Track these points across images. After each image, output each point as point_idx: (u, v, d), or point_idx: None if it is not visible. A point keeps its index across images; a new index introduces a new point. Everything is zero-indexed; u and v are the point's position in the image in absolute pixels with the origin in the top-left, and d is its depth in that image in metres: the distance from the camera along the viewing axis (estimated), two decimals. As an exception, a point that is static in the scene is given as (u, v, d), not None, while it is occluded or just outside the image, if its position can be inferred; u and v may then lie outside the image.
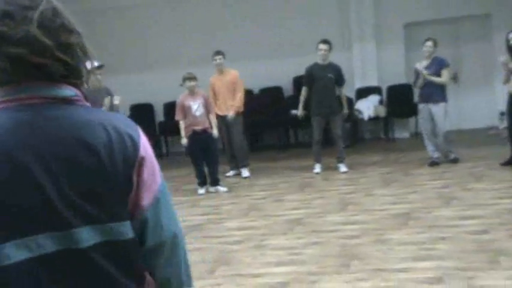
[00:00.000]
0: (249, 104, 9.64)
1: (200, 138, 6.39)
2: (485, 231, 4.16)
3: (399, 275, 3.50)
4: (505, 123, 8.27)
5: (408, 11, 9.10)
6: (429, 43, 6.66)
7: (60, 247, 1.01)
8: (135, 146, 1.08)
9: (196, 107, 6.35)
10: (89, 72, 1.12)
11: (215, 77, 7.15)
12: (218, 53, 7.11)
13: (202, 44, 9.01)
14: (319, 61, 6.93)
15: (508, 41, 5.94)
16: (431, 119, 6.70)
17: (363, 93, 9.32)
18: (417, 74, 6.67)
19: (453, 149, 6.71)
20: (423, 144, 6.98)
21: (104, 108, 5.56)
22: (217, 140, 6.66)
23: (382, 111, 9.06)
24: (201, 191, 6.55)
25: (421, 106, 6.78)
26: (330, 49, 6.88)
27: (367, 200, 5.52)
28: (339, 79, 6.95)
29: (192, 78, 6.35)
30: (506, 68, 6.03)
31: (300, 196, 5.96)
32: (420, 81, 6.64)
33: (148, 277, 1.15)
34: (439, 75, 6.55)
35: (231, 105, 7.02)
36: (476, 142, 7.93)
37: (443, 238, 4.11)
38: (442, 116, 6.58)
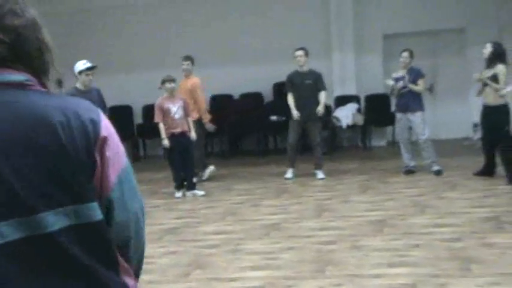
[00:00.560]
0: (229, 109, 9.72)
1: (178, 141, 6.37)
2: (457, 239, 4.24)
3: (373, 281, 3.54)
4: (478, 135, 8.46)
5: (387, 23, 9.26)
6: (405, 54, 6.79)
7: (24, 234, 0.98)
8: (96, 126, 1.07)
9: (175, 109, 6.34)
10: (46, 65, 1.11)
11: (181, 82, 7.09)
12: (186, 58, 7.09)
13: (182, 47, 8.99)
14: (298, 68, 6.99)
15: (484, 53, 6.07)
16: (409, 128, 6.80)
17: (341, 101, 9.43)
18: (392, 84, 6.79)
19: (437, 160, 6.77)
20: (399, 153, 7.08)
21: None
22: (194, 143, 6.64)
23: (360, 120, 9.16)
24: (178, 194, 6.52)
25: (398, 115, 6.88)
26: (307, 55, 6.94)
27: (343, 206, 5.57)
28: (319, 85, 6.98)
29: (171, 80, 6.34)
30: (480, 81, 6.15)
31: (277, 201, 5.99)
32: (396, 91, 6.75)
33: (123, 263, 1.13)
34: (415, 85, 6.67)
35: (191, 111, 6.84)
36: (450, 152, 8.08)
37: (417, 245, 4.17)
38: (421, 124, 6.68)
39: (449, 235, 4.36)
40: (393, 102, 8.10)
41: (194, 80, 7.09)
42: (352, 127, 9.24)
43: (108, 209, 1.09)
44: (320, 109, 6.91)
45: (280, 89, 8.86)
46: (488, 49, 6.00)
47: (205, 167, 7.38)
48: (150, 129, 7.92)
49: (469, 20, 9.05)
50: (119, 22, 9.78)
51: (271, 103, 9.62)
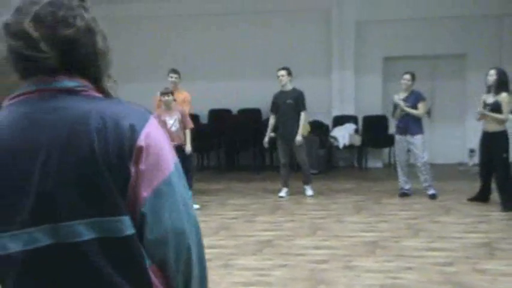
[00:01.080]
0: (227, 124, 9.74)
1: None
2: (450, 264, 4.23)
3: (364, 301, 3.53)
4: (474, 160, 8.50)
5: (388, 45, 9.33)
6: (407, 76, 6.82)
7: (53, 241, 1.00)
8: (134, 135, 1.02)
9: (172, 122, 6.35)
10: (100, 70, 1.10)
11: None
12: (173, 71, 7.00)
13: (182, 61, 9.02)
14: (282, 87, 7.03)
15: (488, 80, 6.08)
16: (407, 150, 6.81)
17: (339, 121, 9.46)
18: (395, 105, 6.81)
19: (432, 183, 6.78)
20: (396, 175, 7.09)
21: None
22: (192, 157, 6.64)
23: (357, 140, 9.19)
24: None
25: (397, 137, 6.87)
26: (289, 74, 6.96)
27: (337, 226, 5.56)
28: (299, 104, 6.94)
29: (168, 93, 6.35)
30: (481, 115, 6.14)
31: (271, 218, 5.98)
32: (398, 113, 6.77)
33: (157, 283, 1.06)
34: (415, 107, 6.70)
35: None
36: (446, 176, 8.10)
37: (409, 268, 4.16)
38: (420, 147, 6.69)
39: (442, 259, 4.36)
40: (391, 123, 8.16)
41: (185, 95, 7.06)
42: (349, 147, 9.26)
43: (140, 224, 1.03)
44: (298, 138, 6.83)
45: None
46: (493, 76, 6.02)
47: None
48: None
49: (470, 45, 9.14)
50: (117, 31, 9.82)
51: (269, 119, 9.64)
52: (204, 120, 9.71)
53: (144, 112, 1.09)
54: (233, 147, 9.59)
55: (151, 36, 9.76)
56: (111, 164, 1.00)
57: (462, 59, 9.33)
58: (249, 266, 4.30)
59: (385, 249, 4.69)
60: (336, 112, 9.56)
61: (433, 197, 6.69)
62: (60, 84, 1.05)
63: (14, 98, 1.07)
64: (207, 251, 1.19)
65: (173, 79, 6.97)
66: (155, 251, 1.05)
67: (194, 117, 7.86)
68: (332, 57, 9.51)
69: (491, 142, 6.06)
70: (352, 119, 9.46)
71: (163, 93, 6.37)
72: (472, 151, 8.94)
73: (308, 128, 7.53)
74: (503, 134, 6.00)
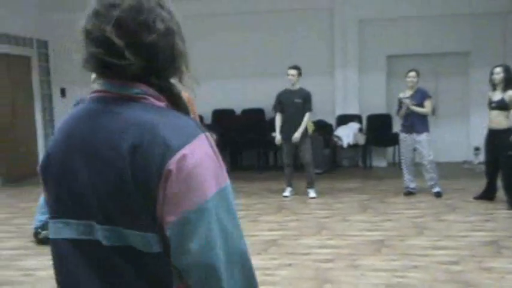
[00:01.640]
0: (230, 124, 9.72)
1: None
2: (456, 262, 4.21)
3: (370, 300, 3.51)
4: (479, 158, 8.47)
5: (392, 43, 9.30)
6: (412, 73, 6.77)
7: (93, 237, 1.04)
8: (166, 155, 0.95)
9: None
10: (181, 71, 1.08)
11: None
12: None
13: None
14: (289, 86, 7.00)
15: (495, 78, 6.05)
16: (413, 149, 6.77)
17: (343, 120, 9.44)
18: (400, 103, 6.77)
19: (438, 181, 6.75)
20: (400, 174, 7.07)
21: None
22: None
23: (362, 139, 9.16)
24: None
25: (403, 136, 6.82)
26: (300, 74, 6.94)
27: (342, 225, 5.54)
28: (306, 105, 6.91)
29: None
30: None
31: (276, 217, 5.97)
32: (403, 111, 6.72)
33: None
34: (421, 105, 6.65)
35: None
36: (451, 175, 8.07)
37: (415, 267, 4.15)
38: (427, 145, 6.65)
39: (447, 258, 4.34)
40: (396, 122, 8.13)
41: (187, 95, 7.05)
42: (353, 146, 9.24)
43: (168, 246, 0.98)
44: (297, 135, 6.77)
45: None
46: (500, 74, 5.98)
47: None
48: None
49: (474, 43, 9.10)
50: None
51: (273, 119, 9.62)
52: (207, 120, 9.70)
53: (192, 130, 1.00)
54: (237, 147, 9.58)
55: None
56: (139, 184, 0.96)
57: (466, 57, 9.29)
58: (254, 266, 4.27)
59: (391, 248, 4.67)
60: (340, 111, 9.54)
61: (438, 195, 6.66)
62: (123, 90, 1.04)
63: (92, 92, 1.10)
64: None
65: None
66: (182, 274, 1.00)
67: (197, 118, 7.86)
68: (335, 56, 9.48)
69: (496, 140, 6.03)
70: (356, 118, 9.43)
71: None
72: (477, 149, 8.90)
73: (313, 126, 7.49)
74: (509, 132, 5.97)
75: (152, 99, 1.04)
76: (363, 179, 8.32)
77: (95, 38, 1.00)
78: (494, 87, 6.09)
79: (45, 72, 9.91)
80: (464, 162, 9.24)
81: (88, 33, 1.02)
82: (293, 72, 6.89)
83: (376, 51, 9.38)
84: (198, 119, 6.81)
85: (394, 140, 8.40)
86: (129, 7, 0.99)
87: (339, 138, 9.17)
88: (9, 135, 8.90)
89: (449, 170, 8.44)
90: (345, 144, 9.12)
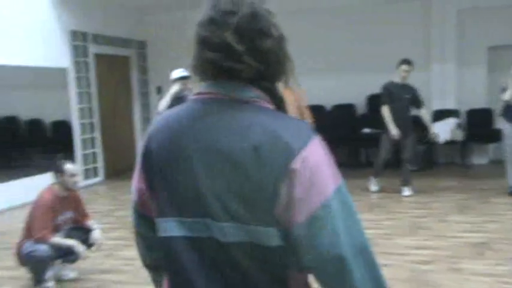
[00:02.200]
0: (320, 120, 9.62)
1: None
2: None
3: (474, 307, 3.31)
4: None
5: (493, 34, 8.73)
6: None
7: (207, 235, 1.06)
8: (289, 156, 0.98)
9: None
10: (287, 74, 1.12)
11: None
12: None
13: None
14: (397, 80, 6.74)
15: None
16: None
17: (440, 115, 9.00)
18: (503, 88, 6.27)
19: None
20: (503, 172, 6.62)
21: None
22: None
23: (460, 135, 8.69)
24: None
25: (507, 129, 6.36)
26: (412, 70, 6.70)
27: (440, 225, 5.29)
28: (416, 100, 6.72)
29: None
30: None
31: (369, 216, 5.82)
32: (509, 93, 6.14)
33: None
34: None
35: None
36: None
37: (524, 273, 3.86)
38: None
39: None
40: (498, 117, 7.61)
41: (298, 93, 7.06)
42: (450, 143, 8.79)
43: (295, 245, 1.01)
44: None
45: (374, 101, 8.63)
46: None
47: None
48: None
49: None
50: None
51: (364, 115, 9.42)
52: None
53: (307, 131, 1.04)
54: (327, 144, 9.45)
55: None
56: (263, 182, 0.99)
57: None
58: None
59: (496, 251, 4.38)
60: (436, 106, 9.11)
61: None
62: (237, 92, 1.07)
63: (200, 94, 1.12)
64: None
65: None
66: (315, 276, 1.03)
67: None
68: (431, 49, 9.07)
69: None
70: (453, 113, 8.97)
71: None
72: None
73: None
74: None
75: (263, 103, 1.08)
76: (461, 177, 7.89)
77: (213, 44, 1.04)
78: None
79: (143, 71, 10.39)
80: None
81: (204, 40, 1.05)
82: (408, 68, 6.60)
83: (476, 42, 8.85)
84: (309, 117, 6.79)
85: (495, 137, 7.89)
86: (247, 14, 1.04)
87: (435, 134, 8.76)
88: (111, 131, 9.44)
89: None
90: (441, 140, 8.71)
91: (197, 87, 1.15)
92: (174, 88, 5.86)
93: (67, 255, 4.13)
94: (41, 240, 3.96)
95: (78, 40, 8.58)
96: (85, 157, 8.74)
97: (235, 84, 1.07)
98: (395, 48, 8.86)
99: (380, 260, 3.77)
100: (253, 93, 1.07)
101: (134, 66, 10.11)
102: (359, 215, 1.03)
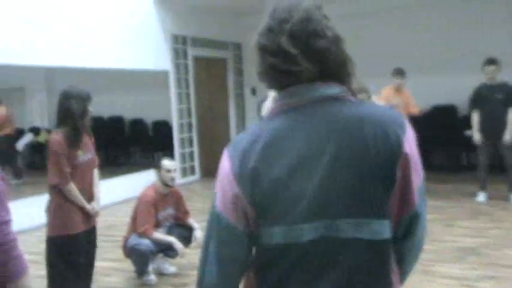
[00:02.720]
0: (419, 121, 9.25)
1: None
2: None
3: None
4: None
5: None
6: None
7: (324, 236, 1.08)
8: (399, 141, 1.07)
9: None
10: (351, 74, 1.17)
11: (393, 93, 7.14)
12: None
13: (372, 56, 8.83)
14: (488, 81, 6.35)
15: None
16: None
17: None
18: None
19: None
20: None
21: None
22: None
23: None
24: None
25: None
26: (499, 69, 6.26)
27: (554, 237, 4.88)
28: (510, 100, 6.24)
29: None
30: None
31: (472, 223, 5.50)
32: None
33: (397, 282, 1.17)
34: None
35: None
36: None
37: None
38: None
39: None
40: None
41: (407, 93, 7.26)
42: None
43: (410, 224, 1.14)
44: (508, 137, 6.16)
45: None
46: None
47: None
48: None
49: None
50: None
51: (466, 117, 8.91)
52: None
53: (402, 118, 1.13)
54: (426, 145, 9.08)
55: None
56: (381, 170, 1.06)
57: None
58: (452, 275, 4.00)
59: None
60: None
61: None
62: (325, 91, 1.12)
63: (280, 107, 1.16)
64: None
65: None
66: (412, 249, 1.18)
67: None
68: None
69: None
70: None
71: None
72: None
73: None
74: None
75: (349, 96, 1.14)
76: None
77: (272, 50, 1.11)
78: None
79: (239, 72, 10.59)
80: None
81: (265, 48, 1.13)
82: (491, 68, 6.28)
83: None
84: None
85: None
86: (300, 19, 1.10)
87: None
88: (207, 131, 9.73)
89: None
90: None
91: (284, 95, 1.16)
92: (273, 92, 5.90)
93: (167, 250, 4.30)
94: (143, 235, 4.16)
95: (179, 43, 8.93)
96: (183, 156, 9.07)
97: (319, 84, 1.11)
98: (496, 45, 8.30)
99: (486, 271, 3.56)
100: (340, 89, 1.12)
101: (230, 68, 10.34)
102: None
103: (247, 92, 10.72)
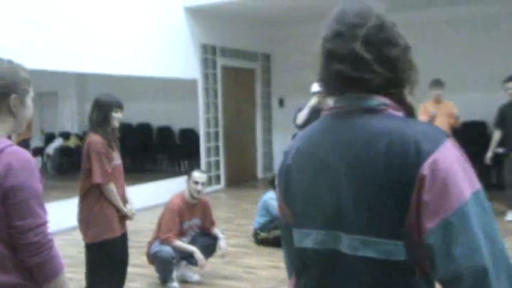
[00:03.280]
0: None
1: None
2: None
3: None
4: None
5: None
6: None
7: (336, 247, 1.08)
8: (419, 161, 0.97)
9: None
10: (414, 83, 1.13)
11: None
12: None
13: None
14: (510, 98, 6.28)
15: None
16: None
17: None
18: None
19: None
20: None
21: None
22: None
23: None
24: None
25: None
26: None
27: None
28: None
29: None
30: None
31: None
32: None
33: None
34: None
35: None
36: None
37: None
38: None
39: None
40: None
41: (450, 105, 7.17)
42: None
43: (428, 255, 0.98)
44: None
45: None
46: None
47: None
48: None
49: None
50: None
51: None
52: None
53: (438, 135, 1.02)
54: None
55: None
56: (393, 190, 0.99)
57: None
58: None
59: None
60: None
61: None
62: (364, 103, 1.10)
63: (330, 109, 1.17)
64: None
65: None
66: (448, 284, 0.97)
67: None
68: None
69: None
70: None
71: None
72: None
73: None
74: None
75: (391, 110, 1.09)
76: None
77: (342, 56, 1.07)
78: None
79: (266, 83, 10.63)
80: None
81: (332, 53, 1.09)
82: (511, 85, 6.21)
83: None
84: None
85: None
86: (374, 26, 1.08)
87: None
88: (234, 141, 9.76)
89: None
90: None
91: (329, 101, 1.19)
92: (312, 101, 5.88)
93: (191, 258, 4.31)
94: (165, 242, 4.19)
95: (208, 53, 9.02)
96: (208, 164, 9.12)
97: (360, 95, 1.09)
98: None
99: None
100: (379, 101, 1.08)
101: (258, 79, 10.38)
102: (498, 224, 0.96)
103: (274, 102, 10.73)
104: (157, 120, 8.70)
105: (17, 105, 1.69)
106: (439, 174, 0.96)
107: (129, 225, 3.81)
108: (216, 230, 4.53)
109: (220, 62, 9.31)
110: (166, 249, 4.17)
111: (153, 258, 4.26)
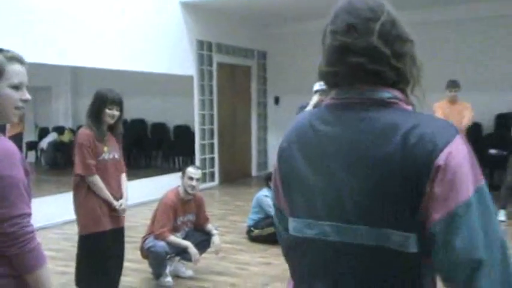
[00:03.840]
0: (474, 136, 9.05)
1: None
2: None
3: None
4: None
5: None
6: None
7: (339, 238, 1.08)
8: (435, 153, 0.99)
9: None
10: (418, 80, 1.14)
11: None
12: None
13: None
14: None
15: None
16: None
17: None
18: None
19: None
20: None
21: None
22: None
23: None
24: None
25: None
26: None
27: None
28: None
29: None
30: None
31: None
32: None
33: None
34: None
35: None
36: None
37: None
38: None
39: None
40: None
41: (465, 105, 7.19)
42: None
43: (430, 244, 1.01)
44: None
45: (503, 121, 8.04)
46: None
47: None
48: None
49: None
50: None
51: (491, 135, 8.80)
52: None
53: (450, 129, 1.04)
54: (482, 162, 8.94)
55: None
56: (408, 181, 1.00)
57: None
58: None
59: None
60: None
61: None
62: (372, 94, 1.10)
63: (333, 99, 1.17)
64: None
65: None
66: (445, 272, 1.01)
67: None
68: None
69: None
70: None
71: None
72: None
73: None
74: None
75: (402, 103, 1.10)
76: None
77: (358, 49, 1.08)
78: None
79: (262, 81, 10.63)
80: None
81: (347, 46, 1.09)
82: None
83: None
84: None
85: None
86: (388, 21, 1.09)
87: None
88: (229, 139, 9.76)
89: None
90: None
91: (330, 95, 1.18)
92: (314, 99, 5.91)
93: (184, 253, 4.31)
94: (159, 237, 4.18)
95: (204, 49, 9.00)
96: (203, 161, 9.11)
97: (373, 87, 1.10)
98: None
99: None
100: (390, 94, 1.09)
101: (254, 76, 10.38)
102: (498, 219, 1.00)
103: (270, 100, 10.74)
104: (152, 116, 8.69)
105: None
106: (451, 167, 0.99)
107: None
108: (210, 226, 4.53)
109: (217, 58, 9.29)
110: (160, 244, 4.16)
111: (147, 253, 4.26)
